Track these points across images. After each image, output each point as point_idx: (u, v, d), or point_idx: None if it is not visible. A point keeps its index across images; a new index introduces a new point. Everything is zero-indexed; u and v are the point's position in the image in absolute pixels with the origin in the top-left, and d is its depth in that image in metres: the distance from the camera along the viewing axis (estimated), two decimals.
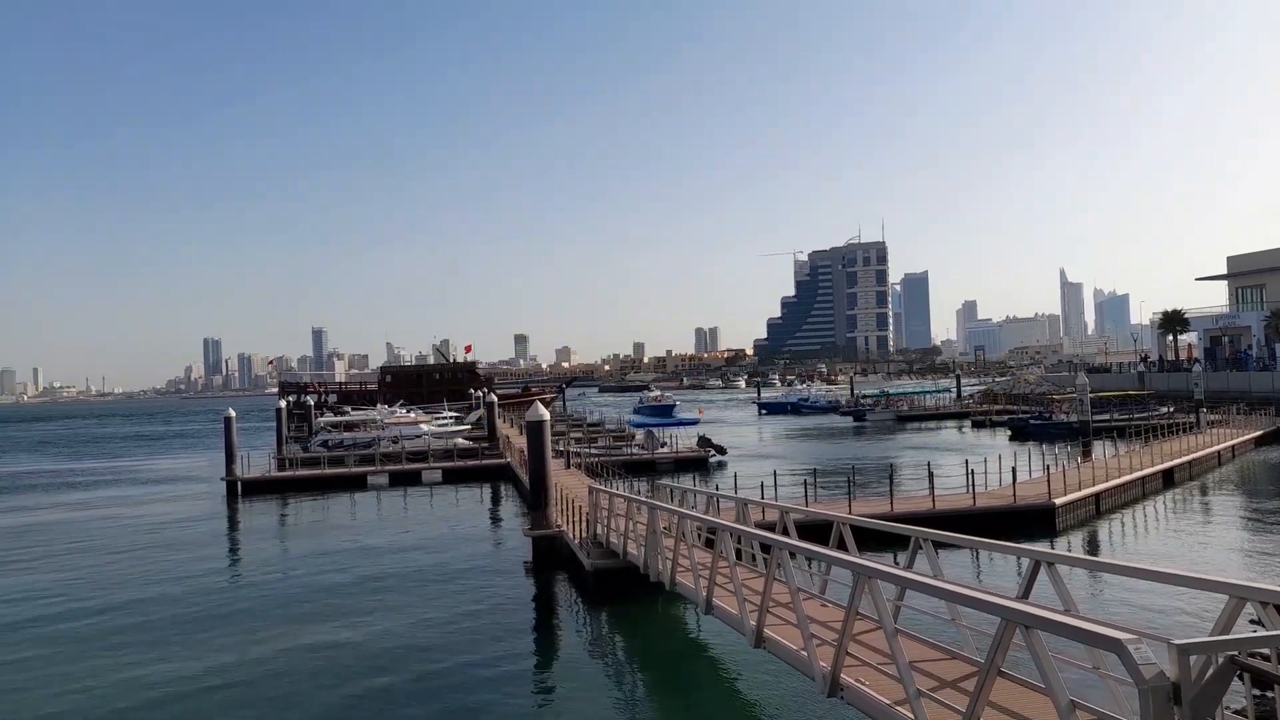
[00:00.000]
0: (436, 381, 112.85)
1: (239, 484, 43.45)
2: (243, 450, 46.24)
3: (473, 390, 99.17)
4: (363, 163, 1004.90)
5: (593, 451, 48.66)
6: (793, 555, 11.87)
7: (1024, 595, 10.36)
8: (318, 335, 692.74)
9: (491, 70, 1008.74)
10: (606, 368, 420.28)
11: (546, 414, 25.68)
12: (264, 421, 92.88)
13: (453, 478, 46.03)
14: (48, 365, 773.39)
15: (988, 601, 7.69)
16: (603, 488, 23.50)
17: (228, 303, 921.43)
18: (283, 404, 63.21)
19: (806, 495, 26.78)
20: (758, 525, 16.92)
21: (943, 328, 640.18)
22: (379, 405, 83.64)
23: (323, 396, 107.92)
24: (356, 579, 23.65)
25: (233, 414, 46.33)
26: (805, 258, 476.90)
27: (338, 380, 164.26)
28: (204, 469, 57.47)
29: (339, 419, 68.37)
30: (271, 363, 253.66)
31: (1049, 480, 27.96)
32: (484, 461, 48.90)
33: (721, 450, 50.29)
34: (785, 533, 15.69)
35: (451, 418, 73.41)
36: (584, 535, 22.53)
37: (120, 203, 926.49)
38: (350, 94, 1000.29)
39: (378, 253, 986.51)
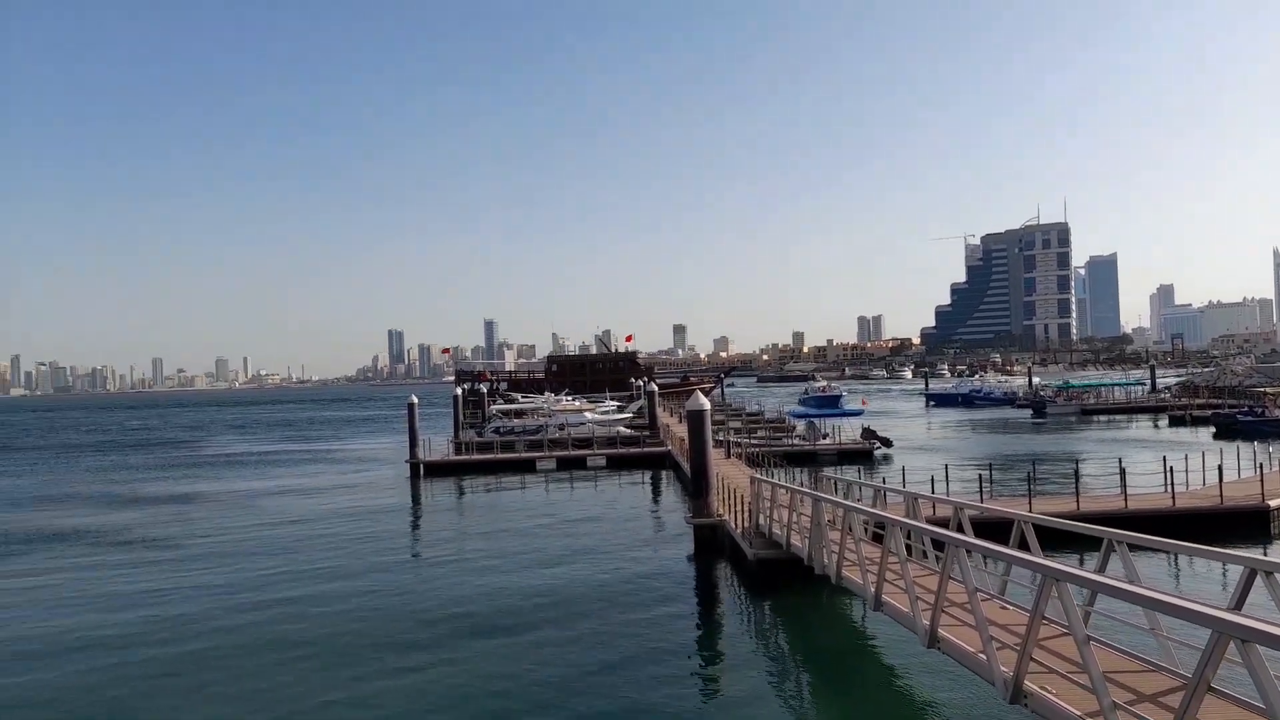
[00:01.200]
0: (599, 371, 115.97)
1: (421, 466, 46.39)
2: (424, 434, 49.27)
3: (633, 379, 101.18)
4: (527, 162, 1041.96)
5: (752, 441, 48.44)
6: (969, 553, 11.36)
7: (1236, 606, 9.45)
8: (489, 326, 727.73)
9: (657, 63, 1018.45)
10: (765, 357, 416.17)
11: (707, 403, 25.79)
12: (442, 407, 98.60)
13: (616, 464, 47.17)
14: (255, 354, 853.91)
15: (1198, 611, 7.06)
16: (764, 478, 23.37)
17: (409, 296, 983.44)
18: (459, 391, 66.90)
19: (982, 491, 25.51)
20: (928, 521, 16.31)
21: (1133, 314, 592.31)
22: (546, 393, 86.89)
23: (494, 384, 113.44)
24: (526, 559, 24.71)
25: (415, 401, 49.49)
26: (978, 241, 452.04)
27: (507, 369, 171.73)
28: (390, 452, 61.75)
29: (510, 406, 71.55)
30: (447, 351, 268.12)
31: (1262, 480, 25.25)
32: (645, 449, 49.75)
33: (887, 442, 48.72)
34: (959, 529, 15.02)
35: (614, 406, 75.15)
36: (746, 525, 22.50)
37: (313, 204, 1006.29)
38: (511, 94, 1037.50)
39: (544, 246, 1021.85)
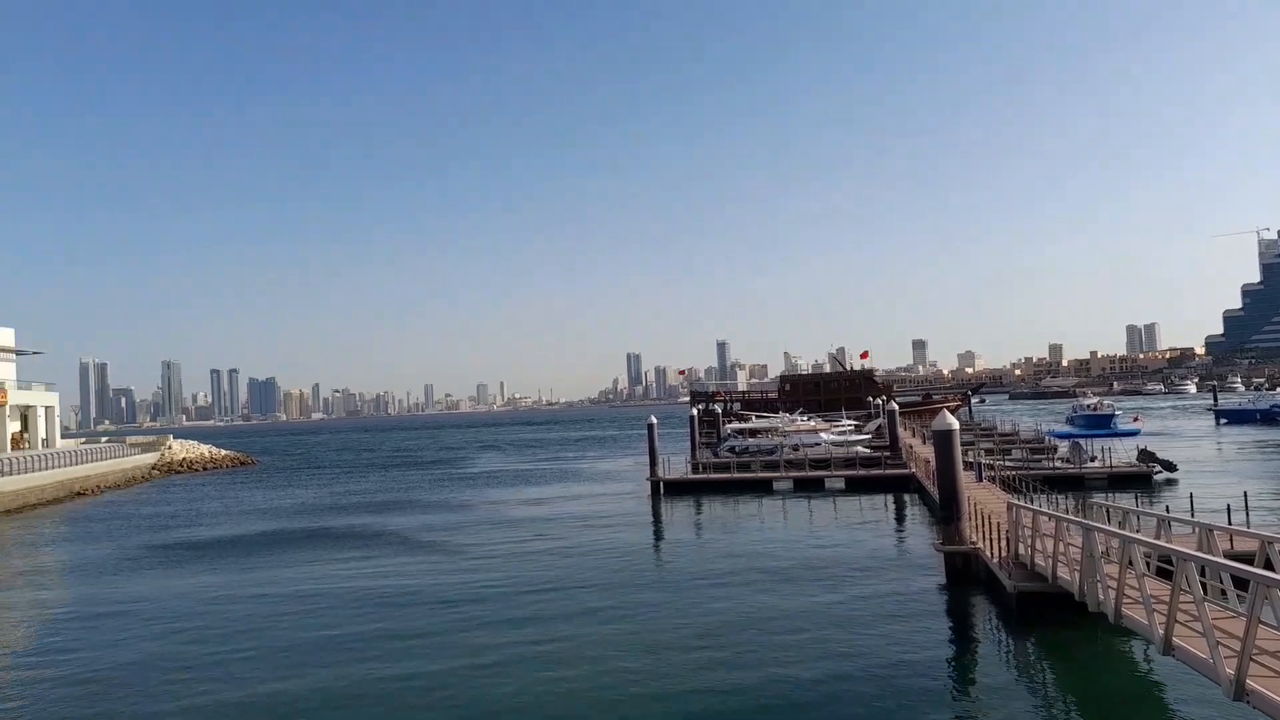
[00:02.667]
0: (834, 389, 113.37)
1: (661, 484, 47.74)
2: (662, 453, 50.71)
3: (870, 398, 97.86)
4: (753, 181, 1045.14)
5: (1007, 464, 45.09)
6: None
7: None
8: (721, 347, 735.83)
9: (884, 69, 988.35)
10: (1017, 372, 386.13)
11: (955, 423, 24.44)
12: (677, 427, 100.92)
13: (855, 486, 45.81)
14: (510, 378, 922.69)
15: None
16: (1024, 504, 21.69)
17: (646, 320, 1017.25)
18: (694, 411, 68.14)
19: None
20: (1226, 556, 14.37)
21: None
22: (780, 413, 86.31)
23: (728, 404, 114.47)
24: (767, 580, 24.58)
25: (654, 421, 51.10)
26: (1275, 235, 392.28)
27: (740, 389, 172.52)
28: (630, 469, 64.10)
29: (745, 426, 71.82)
30: (682, 372, 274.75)
31: None
32: (887, 471, 47.90)
33: (1170, 466, 43.41)
34: (1268, 566, 13.11)
35: (850, 425, 73.15)
36: (1003, 554, 21.00)
37: (561, 242, 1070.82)
38: (726, 111, 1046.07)
39: (773, 265, 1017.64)
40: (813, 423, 71.96)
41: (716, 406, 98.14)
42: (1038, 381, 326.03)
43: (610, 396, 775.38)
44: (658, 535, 35.52)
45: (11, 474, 52.48)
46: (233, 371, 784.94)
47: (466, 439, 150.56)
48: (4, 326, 74.08)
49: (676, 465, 51.33)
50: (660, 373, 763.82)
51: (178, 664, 18.70)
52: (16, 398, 70.00)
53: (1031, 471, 40.77)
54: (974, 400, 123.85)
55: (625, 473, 63.06)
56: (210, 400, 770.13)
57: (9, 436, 67.42)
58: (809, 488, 46.00)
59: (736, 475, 48.89)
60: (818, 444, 58.15)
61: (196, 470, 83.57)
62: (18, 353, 75.23)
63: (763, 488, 46.57)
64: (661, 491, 47.07)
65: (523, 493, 53.60)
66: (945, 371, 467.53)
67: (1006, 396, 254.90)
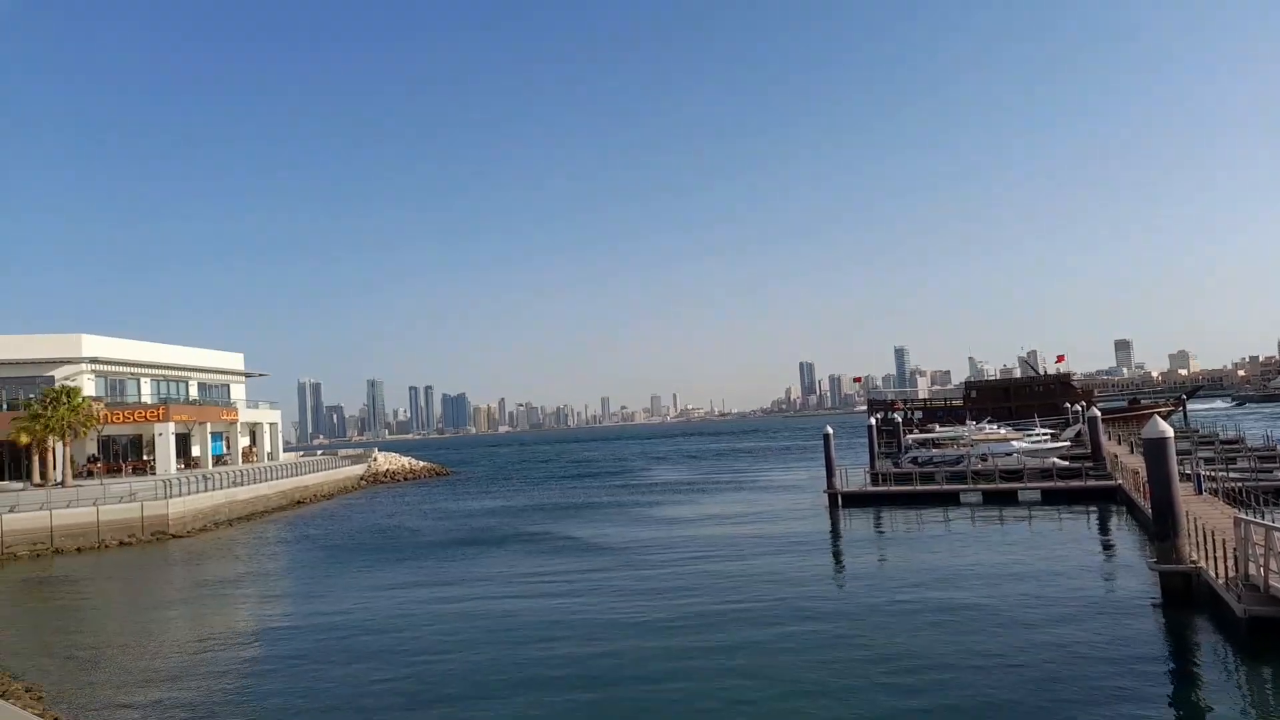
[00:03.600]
0: (1025, 395, 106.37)
1: (839, 496, 46.67)
2: (839, 465, 49.57)
3: (1068, 404, 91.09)
4: (929, 178, 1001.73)
5: (1232, 475, 40.63)
6: None
7: None
8: (899, 353, 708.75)
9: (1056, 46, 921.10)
10: (1240, 373, 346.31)
11: (1169, 429, 22.41)
12: (853, 437, 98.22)
13: (1053, 498, 42.83)
14: (683, 390, 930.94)
15: None
16: (1256, 519, 19.55)
17: (818, 327, 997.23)
18: (872, 421, 66.12)
19: None
20: None
21: None
22: (966, 421, 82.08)
23: (908, 413, 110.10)
24: (959, 599, 23.49)
25: (830, 431, 50.07)
26: None
27: (921, 397, 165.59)
28: (805, 481, 63.07)
29: (927, 435, 68.89)
30: (858, 380, 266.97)
31: None
32: (1089, 483, 44.44)
33: None
34: None
35: (1045, 434, 68.42)
36: (1230, 574, 19.02)
37: (737, 241, 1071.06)
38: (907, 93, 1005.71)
39: (951, 268, 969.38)
40: (1003, 431, 67.97)
41: (896, 415, 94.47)
42: (1265, 383, 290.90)
43: (783, 406, 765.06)
44: (836, 551, 34.73)
45: (244, 484, 58.82)
46: (428, 388, 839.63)
47: (641, 450, 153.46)
48: (235, 352, 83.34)
49: (855, 477, 49.99)
50: (835, 381, 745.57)
51: (388, 666, 20.31)
52: (246, 415, 78.41)
53: (1262, 483, 36.54)
54: (1189, 405, 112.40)
55: (800, 484, 62.10)
56: (409, 415, 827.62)
57: (240, 451, 75.66)
58: (1000, 501, 43.47)
59: (920, 488, 46.96)
60: (1009, 454, 54.78)
61: (399, 480, 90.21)
62: (247, 375, 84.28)
63: (949, 500, 44.47)
64: (840, 504, 46.00)
65: (696, 503, 53.98)
66: (1154, 374, 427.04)
67: (1230, 400, 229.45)
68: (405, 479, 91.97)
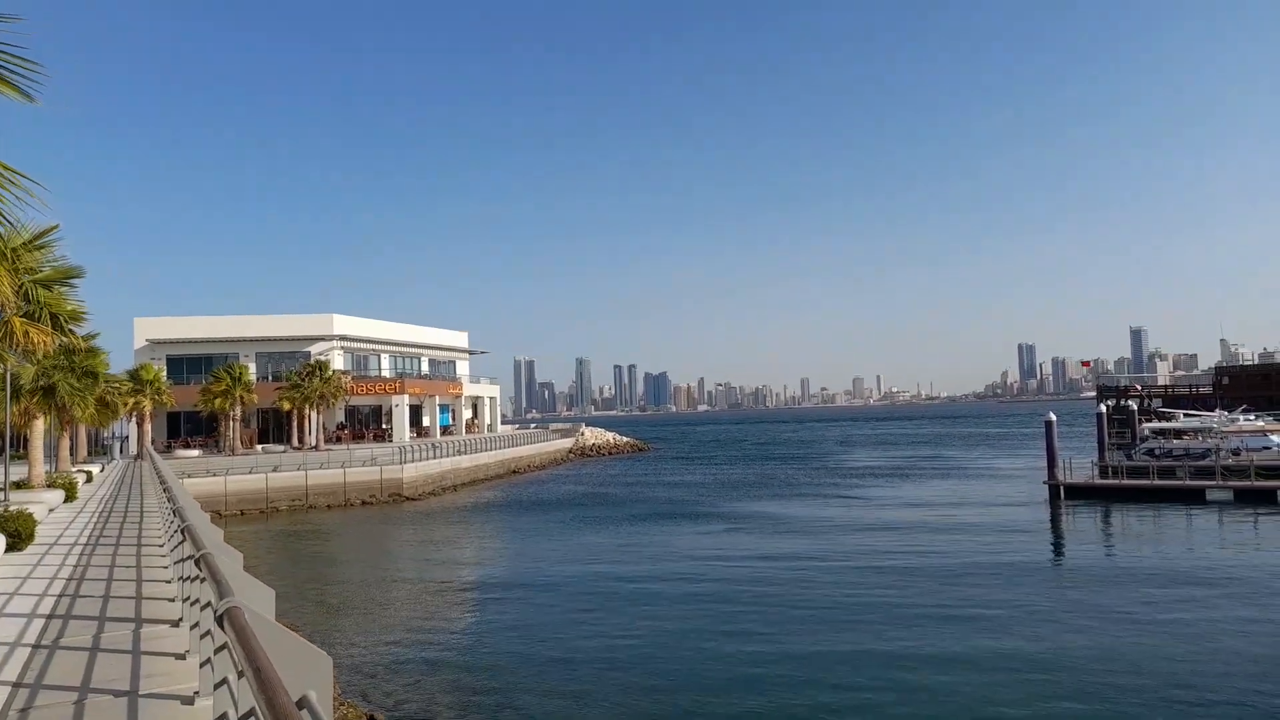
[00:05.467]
0: None
1: (1061, 488, 43.44)
2: (1064, 454, 46.07)
3: None
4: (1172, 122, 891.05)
5: None
6: None
7: None
8: (1136, 335, 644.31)
9: None
10: None
11: None
12: (1077, 426, 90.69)
13: None
14: (886, 372, 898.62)
15: None
16: None
17: (1040, 307, 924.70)
18: (1102, 408, 60.71)
19: None
20: None
21: None
22: (1216, 411, 73.36)
23: (1144, 400, 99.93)
24: (1199, 612, 21.28)
25: (1053, 418, 46.62)
26: None
27: (1160, 383, 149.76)
28: (1022, 470, 59.14)
29: (1167, 425, 62.35)
30: (1086, 364, 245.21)
31: None
32: None
33: None
34: None
35: None
36: None
37: (943, 213, 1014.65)
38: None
39: (1197, 239, 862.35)
40: (1261, 423, 60.14)
41: (1131, 403, 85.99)
42: None
43: (998, 391, 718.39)
44: (1057, 549, 32.41)
45: (468, 454, 63.68)
46: (631, 367, 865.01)
47: (841, 433, 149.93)
48: (460, 330, 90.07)
49: (1080, 469, 46.25)
50: (1058, 365, 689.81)
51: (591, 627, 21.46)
52: (469, 390, 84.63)
53: None
54: None
55: (1017, 474, 58.34)
56: (613, 392, 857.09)
57: (464, 423, 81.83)
58: (1255, 500, 38.68)
59: (1157, 482, 42.69)
60: (1268, 448, 48.47)
61: (603, 454, 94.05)
62: (470, 352, 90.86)
63: (1192, 498, 40.17)
64: (1061, 495, 42.80)
65: (900, 490, 52.18)
66: None
67: None
68: (609, 453, 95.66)
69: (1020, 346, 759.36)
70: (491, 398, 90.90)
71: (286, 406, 60.06)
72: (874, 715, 14.69)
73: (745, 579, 26.16)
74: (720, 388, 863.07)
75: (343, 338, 70.25)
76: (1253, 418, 64.63)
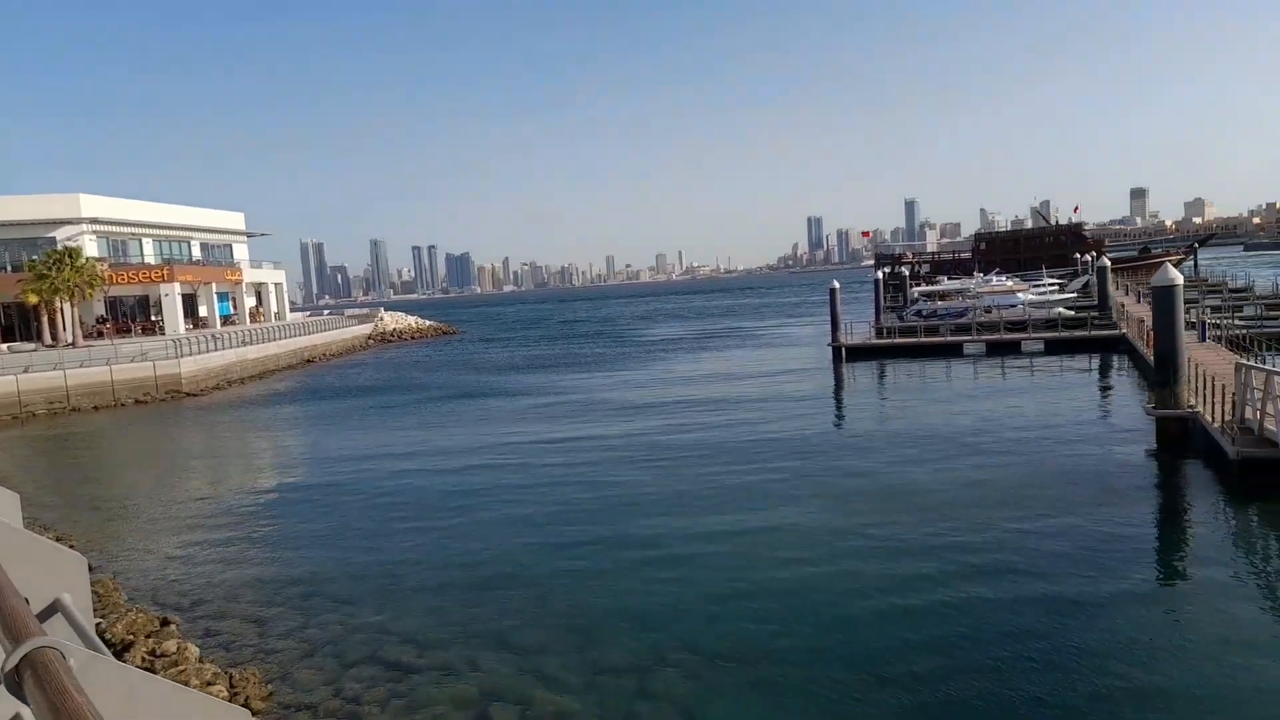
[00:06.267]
0: (1036, 247, 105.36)
1: (843, 349, 46.98)
2: (845, 318, 49.59)
3: (1078, 254, 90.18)
4: (939, 25, 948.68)
5: (1237, 322, 40.62)
6: None
7: None
8: (909, 206, 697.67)
9: None
10: (1256, 220, 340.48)
11: (1179, 277, 22.17)
12: (862, 292, 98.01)
13: (1056, 348, 43.05)
14: (689, 247, 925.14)
15: None
16: (1257, 364, 19.61)
17: (826, 181, 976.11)
18: (879, 275, 65.68)
19: None
20: None
21: None
22: (974, 274, 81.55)
23: (915, 267, 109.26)
24: (954, 447, 23.91)
25: (836, 285, 49.81)
26: None
27: (930, 250, 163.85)
28: (811, 335, 63.43)
29: (933, 289, 68.59)
30: (867, 234, 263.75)
31: None
32: (1093, 332, 44.51)
33: None
34: None
35: (1052, 285, 68.07)
36: (1226, 418, 19.27)
37: (728, 97, 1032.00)
38: None
39: (964, 117, 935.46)
40: (1009, 283, 67.56)
41: (904, 269, 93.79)
42: None
43: (790, 262, 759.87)
44: (839, 399, 35.25)
45: (254, 344, 59.41)
46: (431, 248, 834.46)
47: (646, 308, 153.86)
48: (235, 211, 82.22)
49: (860, 331, 50.14)
50: (842, 236, 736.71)
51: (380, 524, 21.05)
52: (251, 276, 78.28)
53: (1266, 330, 36.53)
54: (1201, 253, 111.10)
55: (805, 338, 62.46)
56: (413, 275, 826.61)
57: (247, 311, 75.99)
58: (1003, 351, 43.72)
59: (924, 340, 47.15)
60: (1014, 305, 54.65)
61: (406, 340, 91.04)
62: (248, 235, 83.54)
63: (952, 352, 44.75)
64: (844, 357, 46.35)
65: (700, 359, 54.53)
66: (1169, 223, 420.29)
67: (1242, 248, 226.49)
68: (412, 338, 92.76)
69: (809, 219, 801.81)
70: (277, 283, 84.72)
71: (33, 300, 52.96)
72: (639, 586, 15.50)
73: (535, 463, 26.50)
74: (526, 267, 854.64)
75: (94, 220, 62.14)
76: (1004, 279, 72.49)
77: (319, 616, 13.90)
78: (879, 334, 51.29)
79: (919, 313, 57.40)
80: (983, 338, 45.77)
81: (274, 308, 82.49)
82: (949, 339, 46.68)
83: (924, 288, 73.19)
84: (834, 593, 13.60)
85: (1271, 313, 47.35)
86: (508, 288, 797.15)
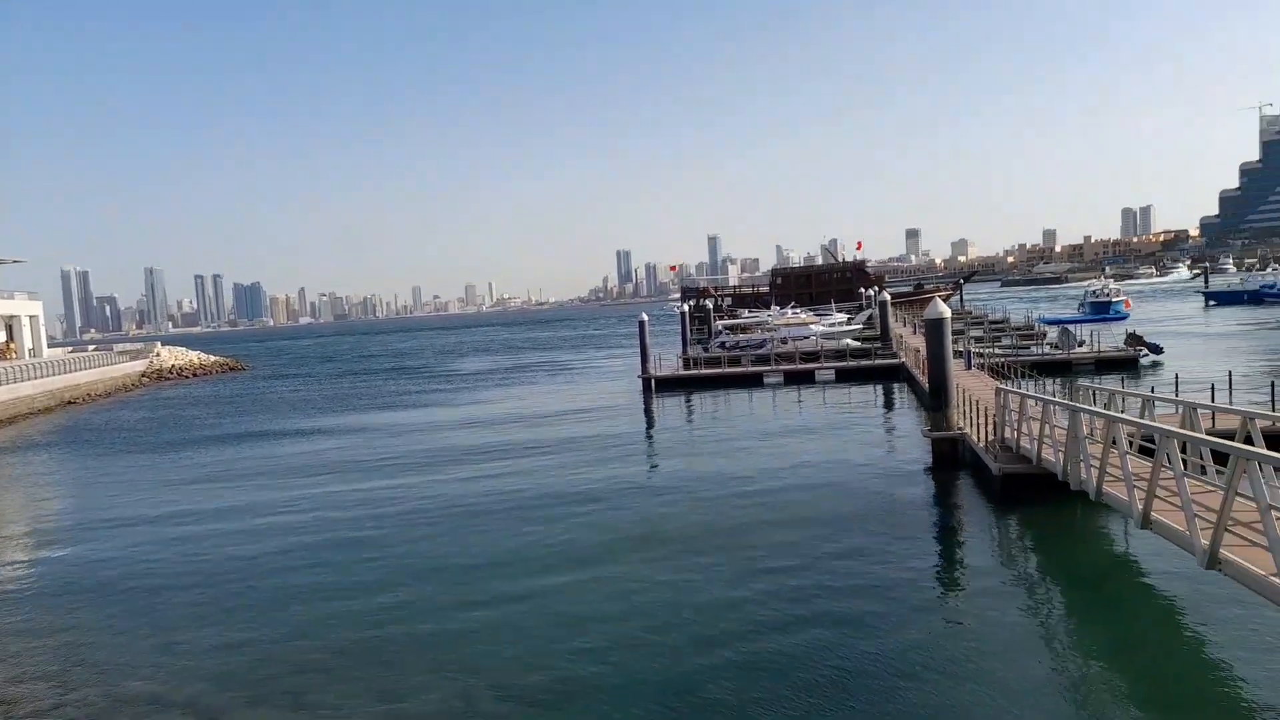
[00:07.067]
0: (825, 282, 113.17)
1: (653, 381, 48.00)
2: (654, 351, 50.73)
3: (862, 289, 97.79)
4: (738, 71, 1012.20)
5: (996, 351, 45.43)
6: (1261, 466, 10.00)
7: None
8: (713, 241, 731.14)
9: None
10: (1010, 259, 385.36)
11: (947, 311, 24.37)
12: (670, 325, 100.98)
13: (845, 377, 46.18)
14: (499, 279, 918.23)
15: None
16: (1012, 389, 21.85)
17: (635, 216, 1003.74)
18: (685, 308, 67.95)
19: (1275, 400, 22.30)
20: (1208, 434, 14.54)
21: None
22: (772, 307, 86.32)
23: (719, 300, 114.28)
24: (754, 470, 24.94)
25: (646, 318, 50.98)
26: (1278, 111, 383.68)
27: (732, 284, 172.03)
28: (622, 369, 64.40)
29: (735, 321, 71.87)
30: (673, 268, 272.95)
31: None
32: (877, 361, 48.20)
33: (1156, 349, 43.78)
34: (1249, 442, 13.25)
35: (841, 318, 73.27)
36: (989, 438, 21.27)
37: (552, 126, 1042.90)
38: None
39: (766, 155, 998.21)
40: (804, 316, 72.05)
41: (708, 302, 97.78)
42: (1030, 268, 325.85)
43: (600, 295, 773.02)
44: (649, 431, 35.86)
45: (3, 383, 52.37)
46: (217, 277, 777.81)
47: (456, 341, 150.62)
48: None
49: (668, 363, 51.48)
50: (651, 270, 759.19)
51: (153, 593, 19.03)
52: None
53: (1021, 358, 41.06)
54: (965, 289, 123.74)
55: (616, 370, 63.33)
56: (196, 306, 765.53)
57: None
58: (800, 381, 46.34)
59: (727, 370, 49.14)
60: (808, 337, 58.29)
61: (186, 377, 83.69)
62: None
63: (754, 382, 46.88)
64: (653, 388, 47.34)
65: (512, 393, 53.88)
66: (938, 261, 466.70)
67: (999, 284, 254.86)
68: (194, 375, 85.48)
69: (618, 253, 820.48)
70: (32, 315, 75.47)
71: None
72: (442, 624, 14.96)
73: (322, 520, 25.07)
74: (325, 298, 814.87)
75: None
76: (799, 312, 77.23)
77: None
78: (686, 365, 52.95)
79: (723, 345, 59.91)
80: (781, 368, 48.33)
81: (28, 343, 73.38)
82: (750, 369, 48.93)
83: (727, 320, 76.61)
84: (640, 631, 13.58)
85: (1024, 342, 53.36)
86: (304, 319, 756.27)
